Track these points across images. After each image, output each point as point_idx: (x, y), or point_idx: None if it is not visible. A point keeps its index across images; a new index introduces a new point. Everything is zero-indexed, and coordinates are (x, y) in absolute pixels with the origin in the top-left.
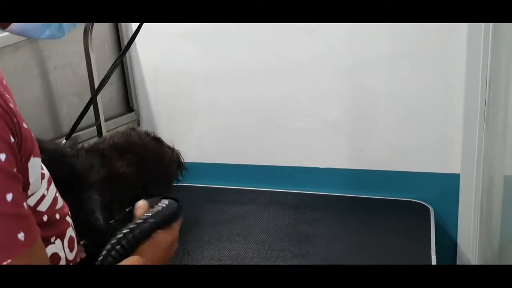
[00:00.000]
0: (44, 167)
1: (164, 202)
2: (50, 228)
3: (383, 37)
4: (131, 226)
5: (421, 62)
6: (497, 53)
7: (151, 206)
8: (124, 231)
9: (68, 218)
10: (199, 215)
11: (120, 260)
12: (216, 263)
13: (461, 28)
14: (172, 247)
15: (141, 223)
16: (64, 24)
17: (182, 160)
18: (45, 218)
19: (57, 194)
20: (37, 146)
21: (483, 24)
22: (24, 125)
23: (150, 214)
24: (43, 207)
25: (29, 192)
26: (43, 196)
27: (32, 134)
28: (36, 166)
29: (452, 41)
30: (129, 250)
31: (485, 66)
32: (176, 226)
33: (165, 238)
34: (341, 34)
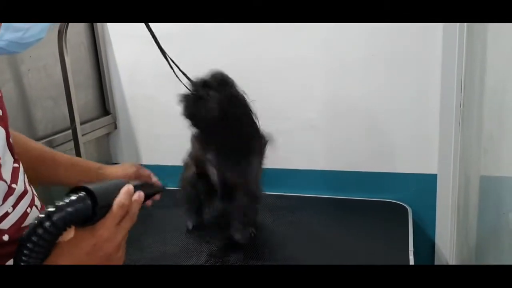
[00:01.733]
0: (20, 179)
1: (75, 196)
2: (13, 245)
3: (361, 38)
4: (33, 224)
5: (398, 63)
6: (471, 53)
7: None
8: (27, 233)
9: None
10: (179, 219)
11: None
12: None
13: (437, 29)
14: (95, 253)
15: (44, 219)
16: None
17: None
18: (5, 237)
19: (30, 210)
20: None
21: (457, 25)
22: None
23: (54, 208)
24: (4, 225)
25: None
26: (6, 214)
27: None
28: None
29: (427, 42)
30: (40, 257)
31: (460, 67)
32: (102, 224)
33: (84, 241)
34: (319, 36)
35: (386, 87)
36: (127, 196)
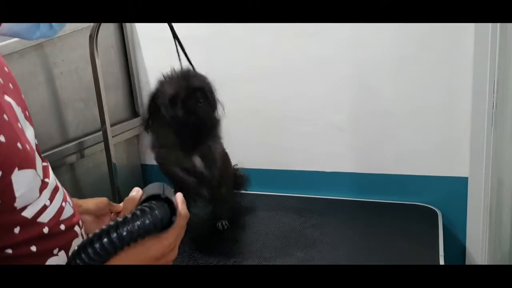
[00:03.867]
0: (51, 176)
1: (157, 203)
2: (52, 240)
3: (388, 38)
4: (110, 224)
5: (428, 64)
6: (504, 54)
7: (142, 202)
8: (99, 231)
9: (77, 228)
10: (203, 220)
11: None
12: None
13: (468, 29)
14: (158, 261)
15: (124, 223)
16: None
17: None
18: (45, 230)
19: (64, 204)
20: (30, 156)
21: (490, 25)
22: (1, 138)
23: (138, 213)
24: (44, 218)
25: (18, 205)
26: (45, 207)
27: (19, 145)
28: (26, 179)
29: (459, 42)
30: (102, 258)
31: (493, 68)
32: (171, 234)
33: (153, 248)
34: (345, 36)
35: (415, 88)
36: (185, 205)
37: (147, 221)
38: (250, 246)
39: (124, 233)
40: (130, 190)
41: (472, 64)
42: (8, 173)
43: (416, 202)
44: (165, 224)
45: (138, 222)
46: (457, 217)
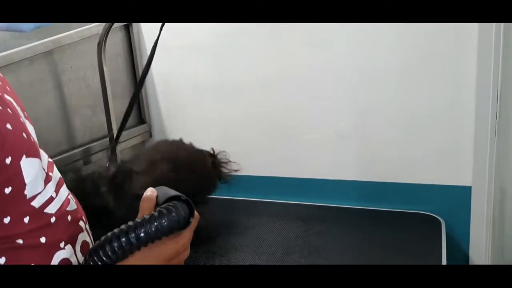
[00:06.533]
0: (55, 171)
1: (176, 204)
2: (59, 230)
3: (392, 47)
4: (130, 224)
5: (431, 73)
6: (507, 64)
7: (159, 203)
8: (118, 230)
9: (82, 223)
10: (208, 226)
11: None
12: None
13: (471, 38)
14: (174, 259)
15: (142, 224)
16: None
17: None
18: (52, 219)
19: (70, 197)
20: (35, 147)
21: (493, 34)
22: (8, 126)
23: (157, 214)
24: (51, 209)
25: (28, 194)
26: (51, 198)
27: (25, 135)
28: (33, 167)
29: (462, 52)
30: (119, 257)
31: (496, 77)
32: (186, 234)
33: (169, 247)
34: (350, 45)
35: (419, 97)
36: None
37: (165, 223)
38: (254, 253)
39: (142, 234)
40: None
41: (475, 75)
42: (17, 159)
43: (419, 211)
44: (181, 225)
45: (156, 224)
46: (460, 226)
